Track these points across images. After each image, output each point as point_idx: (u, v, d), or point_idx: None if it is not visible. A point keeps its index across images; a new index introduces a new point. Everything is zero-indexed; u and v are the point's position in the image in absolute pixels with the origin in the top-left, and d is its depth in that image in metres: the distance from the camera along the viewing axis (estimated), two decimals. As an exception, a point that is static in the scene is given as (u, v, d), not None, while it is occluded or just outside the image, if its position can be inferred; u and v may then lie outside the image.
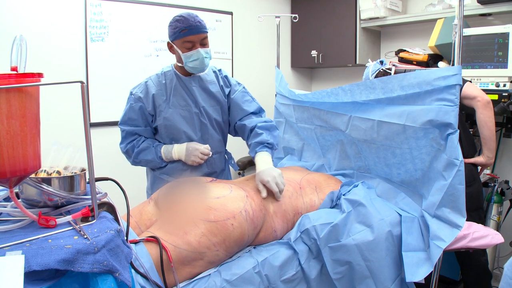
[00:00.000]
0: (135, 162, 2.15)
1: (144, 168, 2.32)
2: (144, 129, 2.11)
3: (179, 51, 1.99)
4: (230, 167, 2.39)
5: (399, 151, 1.84)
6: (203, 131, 2.15)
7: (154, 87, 2.08)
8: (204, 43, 2.01)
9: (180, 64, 2.06)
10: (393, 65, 2.92)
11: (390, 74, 2.80)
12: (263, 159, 1.97)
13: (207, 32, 2.02)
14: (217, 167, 2.24)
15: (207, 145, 2.11)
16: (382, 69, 2.83)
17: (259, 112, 2.24)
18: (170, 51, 2.08)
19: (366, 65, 2.96)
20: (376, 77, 2.83)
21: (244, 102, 2.21)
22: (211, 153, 2.11)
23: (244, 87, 2.26)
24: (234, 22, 4.50)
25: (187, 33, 1.95)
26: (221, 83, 2.21)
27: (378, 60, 2.90)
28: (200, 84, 2.13)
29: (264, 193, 1.80)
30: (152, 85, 2.09)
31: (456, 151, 1.60)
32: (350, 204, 1.78)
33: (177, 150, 2.08)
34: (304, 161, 2.55)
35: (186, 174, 2.13)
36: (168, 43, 2.05)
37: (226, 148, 2.33)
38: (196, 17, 1.98)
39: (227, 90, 2.21)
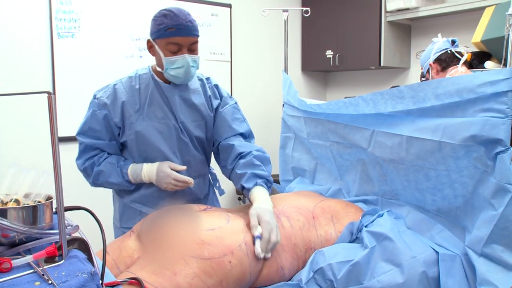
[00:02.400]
0: (95, 184, 2.08)
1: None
2: (107, 144, 2.05)
3: (161, 54, 1.96)
4: (216, 191, 2.37)
5: (434, 173, 1.82)
6: (183, 152, 2.11)
7: (125, 93, 2.03)
8: (193, 49, 1.98)
9: (160, 69, 2.03)
10: (466, 52, 2.86)
11: (459, 60, 2.76)
12: (264, 197, 1.88)
13: (198, 36, 1.99)
14: (201, 193, 2.22)
15: (184, 168, 2.03)
16: (450, 50, 2.78)
17: (248, 136, 2.21)
18: (150, 52, 2.04)
19: (433, 40, 2.91)
20: (438, 57, 2.81)
21: (234, 120, 2.18)
22: (191, 181, 2.00)
23: (236, 103, 2.24)
24: (233, 16, 4.54)
25: (174, 33, 1.91)
26: (209, 93, 2.17)
27: (450, 39, 2.83)
28: (182, 94, 2.10)
29: (256, 231, 1.66)
30: (122, 89, 2.04)
31: (509, 173, 1.57)
32: (373, 237, 1.77)
33: (147, 171, 2.01)
34: (318, 184, 2.54)
35: (164, 203, 2.06)
36: (148, 41, 2.01)
37: (210, 167, 2.31)
38: (188, 16, 1.95)
39: (215, 103, 2.17)
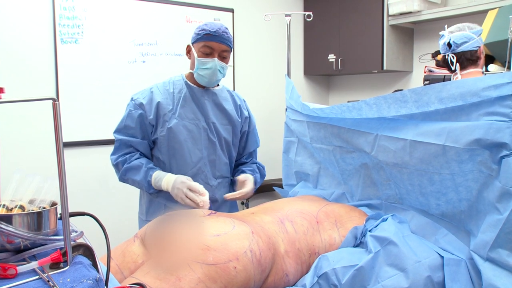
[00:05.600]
0: (122, 179, 2.24)
1: (133, 193, 2.41)
2: (140, 142, 2.22)
3: (195, 54, 2.19)
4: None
5: (438, 177, 1.81)
6: (210, 150, 2.29)
7: (160, 95, 2.24)
8: (223, 56, 2.21)
9: (191, 70, 2.26)
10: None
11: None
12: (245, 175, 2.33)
13: (230, 46, 2.21)
14: (220, 195, 2.32)
15: (204, 193, 2.06)
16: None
17: (255, 149, 2.55)
18: (187, 55, 2.29)
19: (440, 33, 2.87)
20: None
21: (255, 137, 2.52)
22: (203, 203, 2.02)
23: (254, 120, 2.54)
24: (236, 21, 4.54)
25: (209, 38, 2.16)
26: (238, 103, 2.39)
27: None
28: (214, 98, 2.32)
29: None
30: (158, 92, 2.25)
31: None
32: (378, 242, 1.76)
33: (167, 181, 2.12)
34: (321, 188, 2.54)
35: None
36: (187, 46, 2.26)
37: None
38: (225, 28, 2.20)
39: (245, 113, 2.40)
